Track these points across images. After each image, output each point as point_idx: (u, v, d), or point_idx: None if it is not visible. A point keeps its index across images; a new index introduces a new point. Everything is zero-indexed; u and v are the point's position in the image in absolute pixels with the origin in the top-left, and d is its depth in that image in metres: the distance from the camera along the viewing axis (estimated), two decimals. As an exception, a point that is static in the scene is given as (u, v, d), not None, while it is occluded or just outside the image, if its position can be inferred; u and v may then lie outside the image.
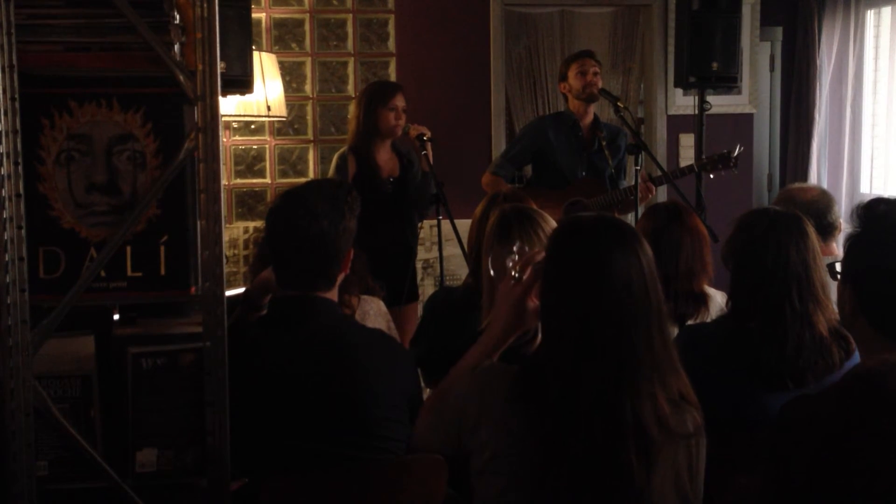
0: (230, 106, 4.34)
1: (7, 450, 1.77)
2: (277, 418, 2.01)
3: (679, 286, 2.62)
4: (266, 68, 4.47)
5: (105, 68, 1.81)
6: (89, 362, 1.85)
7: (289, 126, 5.11)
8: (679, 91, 5.52)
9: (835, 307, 1.99)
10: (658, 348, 1.59)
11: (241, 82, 2.03)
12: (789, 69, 5.86)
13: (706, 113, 5.02)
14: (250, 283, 2.40)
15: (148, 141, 1.84)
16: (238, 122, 4.89)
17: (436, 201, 3.84)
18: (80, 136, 1.82)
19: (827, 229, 2.90)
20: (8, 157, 1.75)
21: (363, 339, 2.14)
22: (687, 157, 5.50)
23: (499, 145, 5.31)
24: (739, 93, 5.61)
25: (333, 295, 2.16)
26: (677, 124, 5.65)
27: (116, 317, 1.96)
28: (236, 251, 4.97)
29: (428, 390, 2.70)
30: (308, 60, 5.12)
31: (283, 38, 5.08)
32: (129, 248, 1.84)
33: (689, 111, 5.46)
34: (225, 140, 4.96)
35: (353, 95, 5.10)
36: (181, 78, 1.79)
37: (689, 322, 2.61)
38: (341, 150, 4.18)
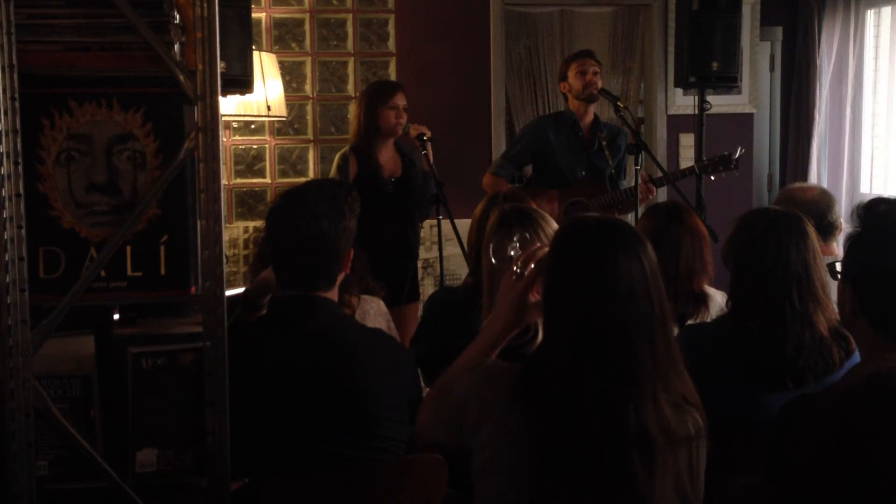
0: (230, 106, 4.34)
1: (7, 450, 1.77)
2: (277, 418, 2.01)
3: (679, 286, 2.62)
4: (266, 68, 4.47)
5: (105, 68, 1.81)
6: (89, 362, 1.85)
7: (289, 126, 5.11)
8: (679, 91, 5.52)
9: (835, 307, 1.99)
10: (661, 352, 1.59)
11: (241, 82, 2.03)
12: (789, 69, 5.86)
13: (706, 113, 5.02)
14: (250, 283, 2.40)
15: (148, 141, 1.84)
16: (238, 121, 4.89)
17: (436, 201, 3.84)
18: (80, 135, 1.82)
19: (827, 229, 2.90)
20: (8, 157, 1.75)
21: (363, 338, 2.14)
22: (687, 156, 5.50)
23: (499, 145, 5.31)
24: (739, 93, 5.61)
25: (333, 295, 2.16)
26: (677, 124, 5.65)
27: (116, 317, 1.96)
28: (236, 251, 4.97)
29: (428, 390, 2.70)
30: (308, 60, 5.12)
31: (283, 37, 5.08)
32: (129, 248, 1.84)
33: (689, 111, 5.45)
34: (225, 140, 4.96)
35: (354, 95, 5.10)
36: (181, 78, 1.79)
37: (689, 322, 2.61)
38: (342, 150, 4.18)
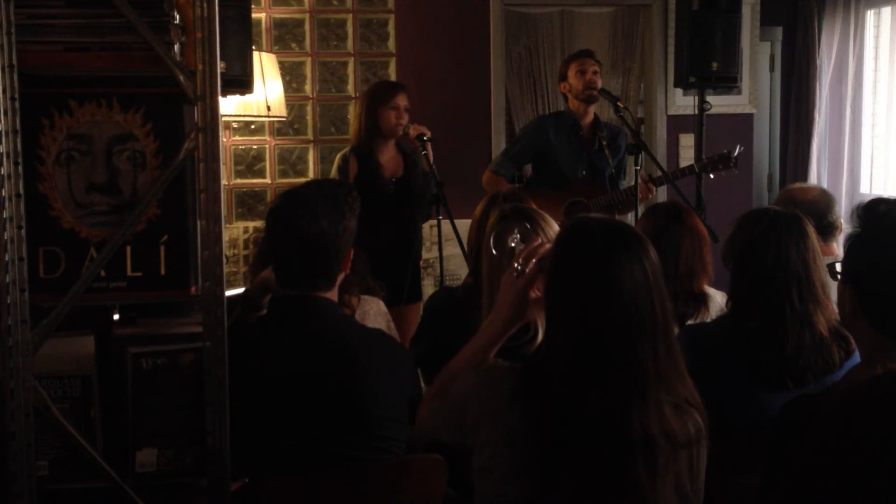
0: (230, 106, 4.34)
1: (7, 450, 1.77)
2: (277, 418, 2.01)
3: (679, 286, 2.62)
4: (266, 68, 4.47)
5: (105, 68, 1.81)
6: (89, 362, 1.85)
7: (289, 126, 5.11)
8: (679, 91, 5.52)
9: (835, 307, 1.99)
10: (663, 355, 1.59)
11: (241, 82, 2.03)
12: (789, 69, 5.86)
13: (706, 113, 5.02)
14: (250, 283, 2.40)
15: (148, 141, 1.84)
16: (238, 122, 4.88)
17: (436, 201, 3.84)
18: (80, 136, 1.82)
19: (827, 229, 2.90)
20: (8, 157, 1.75)
21: (363, 339, 2.14)
22: (687, 157, 5.50)
23: (499, 145, 5.31)
24: (739, 93, 5.61)
25: (333, 295, 2.16)
26: (677, 124, 5.65)
27: (116, 317, 1.96)
28: (236, 251, 4.97)
29: (427, 387, 2.70)
30: (308, 60, 5.12)
31: (283, 38, 5.08)
32: (129, 248, 1.84)
33: (689, 111, 5.45)
34: (225, 140, 4.96)
35: (354, 95, 5.10)
36: (181, 78, 1.79)
37: (689, 322, 2.61)
38: (343, 150, 4.18)
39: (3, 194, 1.74)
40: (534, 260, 1.78)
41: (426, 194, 4.01)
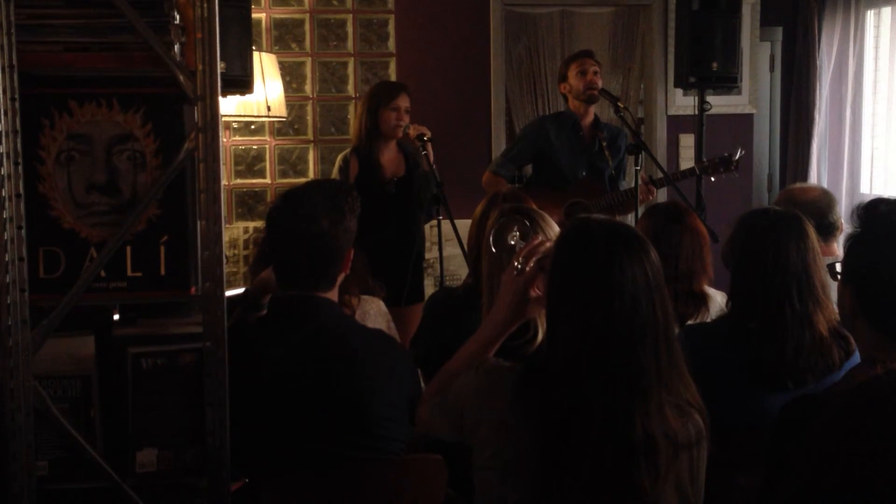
0: (230, 106, 4.34)
1: (7, 450, 1.77)
2: (277, 418, 2.01)
3: (679, 286, 2.62)
4: (266, 68, 4.47)
5: (105, 68, 1.81)
6: (89, 362, 1.85)
7: (289, 126, 5.11)
8: (679, 91, 5.52)
9: (835, 307, 1.99)
10: (664, 358, 1.58)
11: (241, 82, 2.03)
12: (789, 69, 5.86)
13: (706, 113, 5.02)
14: (250, 283, 2.40)
15: (148, 141, 1.84)
16: (238, 122, 4.89)
17: (436, 201, 3.84)
18: (80, 136, 1.82)
19: (828, 229, 2.90)
20: (8, 157, 1.75)
21: (363, 339, 2.14)
22: (687, 157, 5.50)
23: (499, 145, 5.31)
24: (739, 93, 5.61)
25: (333, 295, 2.16)
26: (677, 124, 5.65)
27: (116, 317, 1.96)
28: (236, 251, 4.97)
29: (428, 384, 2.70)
30: (308, 60, 5.12)
31: (283, 38, 5.08)
32: (129, 248, 1.84)
33: (689, 111, 5.45)
34: (225, 140, 4.96)
35: (354, 95, 5.10)
36: (181, 78, 1.79)
37: (689, 322, 2.61)
38: (344, 151, 4.18)
39: (3, 194, 1.74)
40: (534, 258, 1.78)
41: (427, 194, 4.01)
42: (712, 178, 4.29)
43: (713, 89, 5.10)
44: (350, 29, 5.14)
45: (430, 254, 4.83)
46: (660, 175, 4.17)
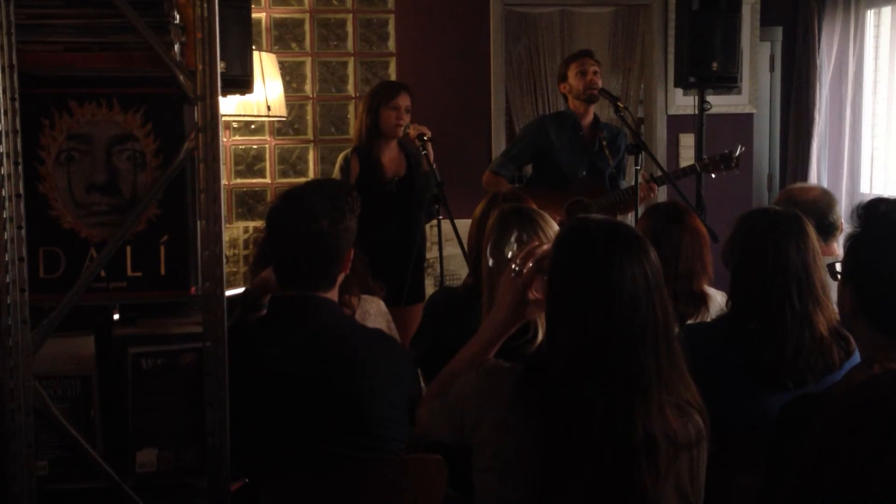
0: (230, 106, 4.34)
1: (7, 450, 1.77)
2: (277, 418, 2.01)
3: (679, 286, 2.62)
4: (266, 68, 4.47)
5: (105, 68, 1.81)
6: (89, 362, 1.85)
7: (289, 126, 5.11)
8: (679, 91, 5.52)
9: (835, 307, 1.99)
10: (664, 357, 1.58)
11: (241, 82, 2.03)
12: (789, 69, 5.86)
13: (706, 113, 5.02)
14: (250, 283, 2.40)
15: (148, 141, 1.84)
16: (238, 122, 4.89)
17: (436, 201, 3.84)
18: (80, 136, 1.82)
19: (828, 229, 2.90)
20: (8, 157, 1.75)
21: (363, 339, 2.14)
22: (687, 156, 5.50)
23: (499, 145, 5.31)
24: (739, 93, 5.61)
25: (334, 295, 2.16)
26: (677, 124, 5.65)
27: (116, 317, 1.96)
28: (236, 251, 4.97)
29: (428, 387, 2.70)
30: (308, 60, 5.12)
31: (283, 37, 5.08)
32: (129, 248, 1.84)
33: (689, 111, 5.45)
34: (225, 140, 4.96)
35: (353, 95, 5.10)
36: (181, 78, 1.79)
37: (689, 322, 2.61)
38: (345, 151, 4.18)
39: (3, 194, 1.74)
40: (531, 259, 1.78)
41: (426, 194, 4.01)
42: (713, 175, 4.29)
43: (713, 89, 5.10)
44: (350, 29, 5.14)
45: (431, 253, 4.83)
46: (659, 174, 4.17)
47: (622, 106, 4.06)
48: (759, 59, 5.75)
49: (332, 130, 5.17)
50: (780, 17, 5.81)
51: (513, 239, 1.91)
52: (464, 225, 3.13)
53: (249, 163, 5.09)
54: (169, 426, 1.86)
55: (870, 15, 5.31)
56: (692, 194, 4.47)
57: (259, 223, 4.88)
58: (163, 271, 1.85)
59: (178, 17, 1.78)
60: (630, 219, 4.15)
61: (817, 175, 5.56)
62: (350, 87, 5.16)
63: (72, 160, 1.82)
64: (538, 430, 1.58)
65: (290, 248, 2.09)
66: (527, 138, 4.53)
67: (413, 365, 2.30)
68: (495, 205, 2.66)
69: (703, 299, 2.67)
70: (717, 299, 2.70)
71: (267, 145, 5.11)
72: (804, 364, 2.08)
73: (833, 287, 1.99)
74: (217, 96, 1.80)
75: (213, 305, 1.83)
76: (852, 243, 1.70)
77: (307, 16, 5.09)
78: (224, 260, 1.85)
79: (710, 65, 4.87)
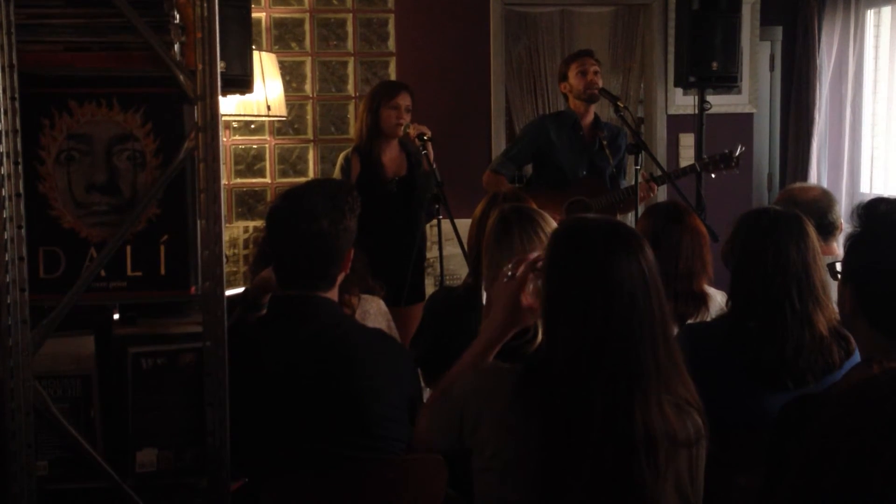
0: (230, 106, 4.34)
1: (7, 450, 1.77)
2: (277, 418, 2.01)
3: (679, 286, 2.62)
4: (266, 68, 4.47)
5: (105, 68, 1.81)
6: (89, 362, 1.85)
7: (289, 126, 5.11)
8: (679, 91, 5.52)
9: (835, 307, 1.99)
10: (662, 354, 1.58)
11: (241, 82, 2.03)
12: (789, 69, 5.86)
13: (706, 113, 5.02)
14: (250, 283, 2.40)
15: (148, 141, 1.84)
16: (238, 121, 4.88)
17: (436, 201, 3.84)
18: (80, 135, 1.82)
19: (828, 229, 2.90)
20: (8, 157, 1.75)
21: (363, 339, 2.14)
22: (687, 156, 5.50)
23: (499, 145, 5.30)
24: (739, 92, 5.61)
25: (334, 295, 2.16)
26: (677, 124, 5.64)
27: (116, 317, 1.96)
28: (236, 251, 4.97)
29: (428, 390, 2.70)
30: (308, 60, 5.12)
31: (283, 37, 5.08)
32: (129, 248, 1.84)
33: (689, 111, 5.45)
34: (225, 140, 4.96)
35: (353, 95, 5.10)
36: (181, 78, 1.79)
37: (689, 322, 2.61)
38: (346, 150, 4.18)
39: (3, 194, 1.74)
40: (523, 264, 1.78)
41: (426, 194, 4.01)
42: (713, 175, 4.29)
43: (713, 89, 5.10)
44: (350, 28, 5.14)
45: (431, 253, 4.83)
46: (660, 173, 4.17)
47: (622, 106, 4.06)
48: (759, 59, 5.75)
49: (332, 130, 5.17)
50: (780, 17, 5.81)
51: (509, 267, 1.89)
52: (464, 225, 3.13)
53: (249, 162, 5.09)
54: (169, 426, 1.86)
55: (870, 15, 5.31)
56: (692, 194, 4.47)
57: (259, 223, 4.88)
58: (163, 271, 1.85)
59: (178, 16, 1.78)
60: (630, 218, 4.15)
61: (817, 175, 5.56)
62: (350, 87, 5.16)
63: (72, 160, 1.82)
64: (538, 430, 1.58)
65: (290, 247, 2.09)
66: (527, 138, 4.53)
67: (413, 365, 2.30)
68: (495, 205, 2.66)
69: (703, 299, 2.67)
70: (717, 299, 2.70)
71: (267, 145, 5.11)
72: (804, 364, 2.08)
73: (833, 287, 1.99)
74: (217, 96, 1.80)
75: (213, 305, 1.83)
76: (852, 243, 1.70)
77: (307, 16, 5.09)
78: (224, 260, 1.85)
79: (710, 64, 4.87)
